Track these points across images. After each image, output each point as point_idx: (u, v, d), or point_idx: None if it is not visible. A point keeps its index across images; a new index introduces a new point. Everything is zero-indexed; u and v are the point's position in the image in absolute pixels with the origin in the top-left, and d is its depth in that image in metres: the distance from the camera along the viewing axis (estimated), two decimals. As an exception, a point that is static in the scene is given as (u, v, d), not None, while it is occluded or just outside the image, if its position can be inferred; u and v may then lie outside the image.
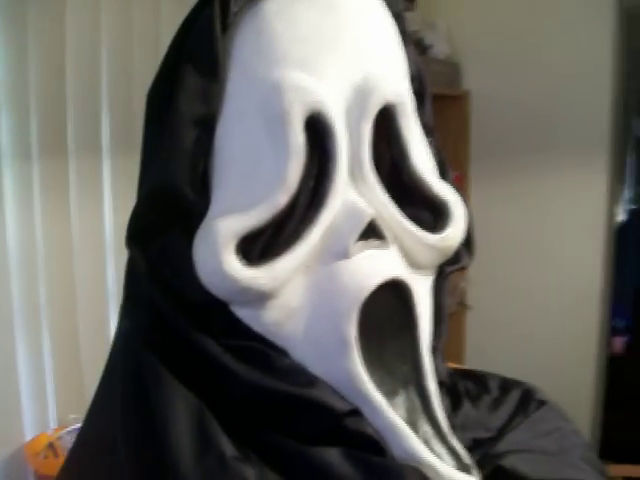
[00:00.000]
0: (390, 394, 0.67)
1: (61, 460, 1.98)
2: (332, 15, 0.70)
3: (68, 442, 2.10)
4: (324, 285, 0.66)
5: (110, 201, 2.33)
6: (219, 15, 0.68)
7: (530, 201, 3.39)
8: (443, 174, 0.79)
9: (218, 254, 0.63)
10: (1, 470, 2.14)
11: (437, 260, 0.75)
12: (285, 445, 0.64)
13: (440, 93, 3.16)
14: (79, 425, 2.12)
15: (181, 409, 0.64)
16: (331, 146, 0.67)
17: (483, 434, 0.75)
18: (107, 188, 2.32)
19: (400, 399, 0.68)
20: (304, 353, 0.66)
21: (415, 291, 0.69)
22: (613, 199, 3.32)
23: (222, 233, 0.63)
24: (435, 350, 0.74)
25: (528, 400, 0.81)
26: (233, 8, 0.68)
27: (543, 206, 3.36)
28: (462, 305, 3.54)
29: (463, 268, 0.81)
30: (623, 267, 3.79)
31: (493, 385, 0.85)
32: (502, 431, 0.76)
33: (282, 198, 0.64)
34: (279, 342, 0.66)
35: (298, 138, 0.65)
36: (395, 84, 0.72)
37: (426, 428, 0.67)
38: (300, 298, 0.66)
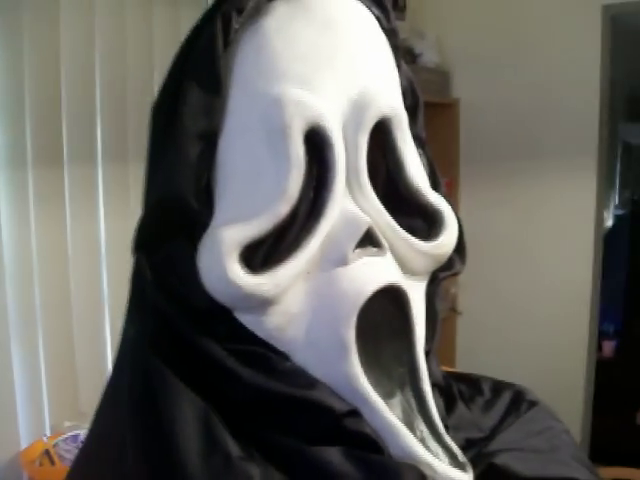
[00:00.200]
0: (387, 395, 0.69)
1: (57, 467, 1.99)
2: (329, 33, 0.73)
3: (63, 449, 2.11)
4: (324, 291, 0.68)
5: (104, 208, 2.34)
6: (221, 32, 0.70)
7: (519, 207, 3.42)
8: (435, 184, 0.82)
9: (222, 262, 0.66)
10: (-3, 477, 2.15)
11: (431, 266, 0.78)
12: (287, 445, 0.66)
13: (430, 101, 3.19)
14: (74, 432, 2.12)
15: (188, 411, 0.66)
16: (330, 158, 0.69)
17: (476, 434, 0.78)
18: (101, 196, 2.34)
19: (397, 400, 0.70)
20: (305, 356, 0.68)
21: (410, 296, 0.72)
22: (602, 204, 3.35)
23: (226, 242, 0.66)
24: (429, 353, 0.77)
25: (519, 401, 0.84)
26: (234, 25, 0.71)
27: (532, 211, 3.39)
28: (453, 310, 3.57)
29: (456, 274, 0.84)
30: (612, 272, 3.82)
31: (485, 387, 0.88)
32: (494, 431, 0.79)
33: (283, 208, 0.67)
34: (281, 346, 0.69)
35: (298, 151, 0.67)
36: (390, 98, 0.75)
37: (422, 428, 0.70)
38: (301, 304, 0.68)
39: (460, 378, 0.90)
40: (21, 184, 2.13)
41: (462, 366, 3.50)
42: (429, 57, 3.37)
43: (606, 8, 3.12)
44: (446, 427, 0.72)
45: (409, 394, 0.71)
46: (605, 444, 3.21)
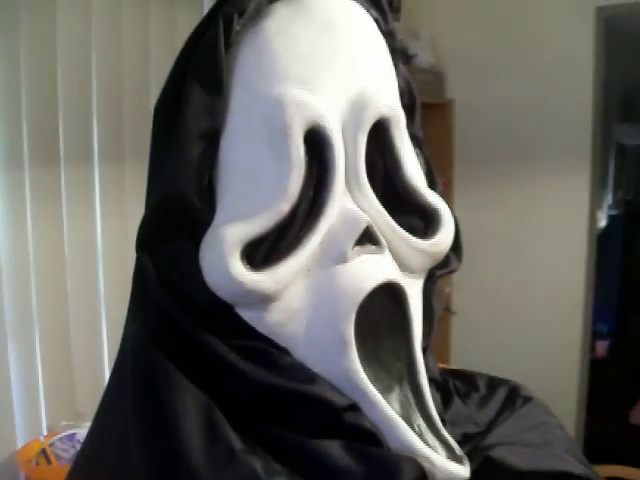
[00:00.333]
0: (386, 390, 0.71)
1: (53, 466, 1.99)
2: (329, 34, 0.75)
3: (60, 448, 2.11)
4: (323, 288, 0.70)
5: (101, 209, 2.35)
6: (222, 34, 0.72)
7: (513, 207, 3.44)
8: (431, 183, 0.84)
9: (225, 259, 0.67)
10: (-6, 476, 2.15)
11: (428, 264, 0.79)
12: (288, 438, 0.68)
13: (424, 102, 3.19)
14: (71, 432, 2.13)
15: (190, 406, 0.67)
16: (330, 157, 0.71)
17: (472, 429, 0.79)
18: (98, 196, 2.34)
19: (395, 395, 0.72)
20: (305, 352, 0.70)
21: (408, 293, 0.73)
22: (595, 205, 3.37)
23: (228, 240, 0.67)
24: (426, 349, 0.79)
25: (514, 397, 0.85)
26: (235, 27, 0.73)
27: (526, 212, 3.40)
28: (447, 310, 3.58)
29: (452, 271, 0.85)
30: (605, 272, 3.84)
31: (481, 383, 0.89)
32: (490, 426, 0.80)
33: (284, 207, 0.68)
34: (282, 342, 0.70)
35: (299, 150, 0.69)
36: (388, 98, 0.77)
37: (420, 422, 0.71)
38: (301, 300, 0.70)
39: (456, 374, 0.91)
40: (18, 184, 2.13)
41: (456, 365, 3.48)
42: (424, 58, 3.39)
43: (600, 10, 3.14)
44: (443, 421, 0.73)
45: (407, 389, 0.73)
46: (599, 443, 3.23)
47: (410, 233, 0.76)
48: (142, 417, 0.70)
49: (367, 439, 0.67)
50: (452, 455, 0.69)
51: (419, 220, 0.78)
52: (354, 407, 0.68)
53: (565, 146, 3.27)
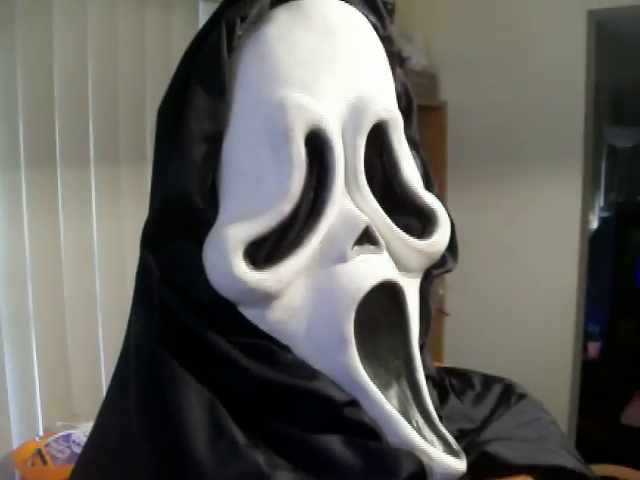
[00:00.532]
0: (384, 386, 0.73)
1: (49, 467, 2.00)
2: (329, 39, 0.76)
3: (55, 449, 2.11)
4: (324, 286, 0.71)
5: (97, 210, 2.34)
6: (225, 39, 0.73)
7: (506, 209, 3.45)
8: (428, 184, 0.85)
9: (228, 258, 0.69)
10: (-11, 477, 2.16)
11: (425, 264, 0.81)
12: (290, 433, 0.70)
13: (418, 104, 3.22)
14: (66, 432, 2.13)
15: (194, 401, 0.69)
16: (330, 159, 0.73)
17: (468, 425, 0.81)
18: (94, 197, 2.34)
19: (393, 391, 0.74)
20: (306, 349, 0.72)
21: (406, 292, 0.75)
22: (587, 206, 3.38)
23: (231, 239, 0.69)
24: (422, 347, 0.80)
25: (509, 394, 0.87)
26: (238, 32, 0.74)
27: (519, 214, 3.41)
28: (440, 312, 3.59)
29: (448, 271, 0.87)
30: (597, 273, 3.85)
31: (476, 381, 0.91)
32: (486, 422, 0.82)
33: (286, 207, 0.70)
34: (283, 339, 0.72)
35: (300, 152, 0.71)
36: (386, 101, 0.79)
37: (417, 417, 0.73)
38: (302, 299, 0.72)
39: (451, 372, 0.93)
40: (14, 186, 2.13)
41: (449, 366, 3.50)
42: (417, 60, 3.39)
43: (591, 14, 3.16)
44: (440, 417, 0.75)
45: (405, 385, 0.74)
46: (591, 443, 3.24)
47: (408, 233, 0.78)
48: (147, 413, 0.72)
49: (367, 434, 0.69)
50: (449, 449, 0.70)
51: (416, 221, 0.80)
52: (354, 403, 0.70)
53: (557, 148, 3.28)
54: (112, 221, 2.34)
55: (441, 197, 0.85)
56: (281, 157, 0.71)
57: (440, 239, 0.80)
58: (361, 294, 0.70)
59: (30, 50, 2.13)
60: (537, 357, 3.36)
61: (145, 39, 2.42)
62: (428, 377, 0.78)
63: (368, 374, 0.70)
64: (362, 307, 0.70)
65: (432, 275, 0.84)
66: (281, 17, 0.77)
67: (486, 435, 0.77)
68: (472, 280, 3.34)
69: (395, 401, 0.73)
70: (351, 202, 0.74)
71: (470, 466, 0.70)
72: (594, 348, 4.37)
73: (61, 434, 2.14)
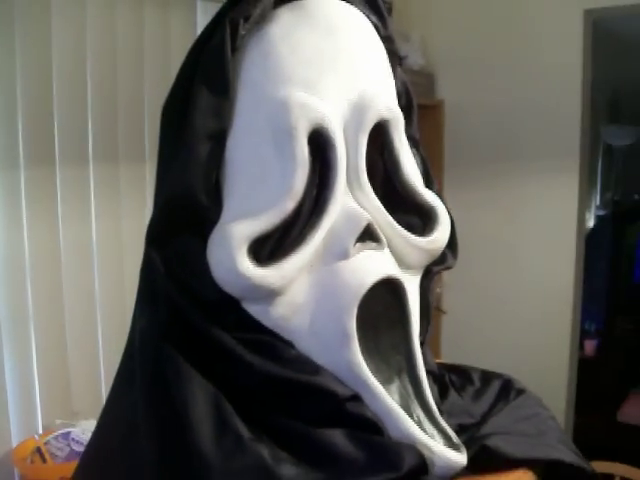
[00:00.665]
0: (386, 381, 0.74)
1: (48, 465, 2.00)
2: (331, 39, 0.77)
3: (55, 447, 2.11)
4: (326, 283, 0.72)
5: (96, 209, 2.34)
6: (229, 38, 0.74)
7: (503, 207, 3.45)
8: (428, 182, 0.86)
9: (232, 255, 0.69)
10: (-12, 475, 2.16)
11: (425, 261, 0.82)
12: (293, 427, 0.71)
13: (415, 103, 3.22)
14: (66, 430, 2.13)
15: (199, 396, 0.70)
16: (332, 157, 0.73)
17: (468, 420, 0.82)
18: (93, 196, 2.34)
19: (394, 386, 0.75)
20: (309, 344, 0.73)
21: (407, 289, 0.76)
22: (584, 205, 3.39)
23: (236, 236, 0.70)
24: (423, 343, 0.81)
25: (508, 389, 0.89)
26: (241, 31, 0.75)
27: (516, 212, 3.42)
28: (438, 310, 3.60)
29: (448, 268, 0.88)
30: (594, 271, 3.86)
31: (475, 377, 0.93)
32: (485, 417, 0.83)
33: (290, 204, 0.71)
34: (286, 335, 0.73)
35: (303, 150, 0.72)
36: (388, 101, 0.80)
37: (418, 412, 0.74)
38: (305, 295, 0.73)
39: (451, 368, 0.95)
40: (13, 185, 2.14)
41: (447, 365, 3.51)
42: (414, 59, 3.40)
43: (588, 13, 3.16)
44: (440, 412, 0.76)
45: (406, 380, 0.76)
46: (587, 441, 3.25)
47: (408, 231, 0.79)
48: (152, 408, 0.72)
49: (369, 428, 0.70)
50: (450, 443, 0.71)
51: (417, 218, 0.81)
52: (356, 397, 0.71)
53: (554, 147, 3.29)
54: (111, 220, 2.34)
55: (440, 195, 0.86)
56: (284, 155, 0.72)
57: (440, 236, 0.81)
58: (363, 290, 0.71)
59: (29, 50, 2.13)
60: (534, 355, 3.36)
61: (144, 39, 2.43)
62: (428, 372, 0.79)
63: (370, 369, 0.72)
64: (364, 303, 0.71)
65: (432, 272, 0.85)
66: (284, 17, 0.78)
67: (486, 429, 0.78)
68: (469, 278, 3.34)
69: (396, 396, 0.74)
70: (353, 200, 0.75)
71: (470, 460, 0.71)
72: (591, 346, 4.38)
73: (60, 432, 2.14)
